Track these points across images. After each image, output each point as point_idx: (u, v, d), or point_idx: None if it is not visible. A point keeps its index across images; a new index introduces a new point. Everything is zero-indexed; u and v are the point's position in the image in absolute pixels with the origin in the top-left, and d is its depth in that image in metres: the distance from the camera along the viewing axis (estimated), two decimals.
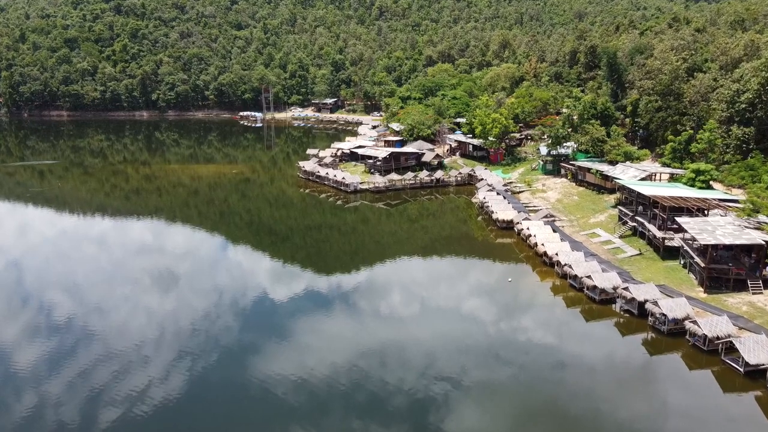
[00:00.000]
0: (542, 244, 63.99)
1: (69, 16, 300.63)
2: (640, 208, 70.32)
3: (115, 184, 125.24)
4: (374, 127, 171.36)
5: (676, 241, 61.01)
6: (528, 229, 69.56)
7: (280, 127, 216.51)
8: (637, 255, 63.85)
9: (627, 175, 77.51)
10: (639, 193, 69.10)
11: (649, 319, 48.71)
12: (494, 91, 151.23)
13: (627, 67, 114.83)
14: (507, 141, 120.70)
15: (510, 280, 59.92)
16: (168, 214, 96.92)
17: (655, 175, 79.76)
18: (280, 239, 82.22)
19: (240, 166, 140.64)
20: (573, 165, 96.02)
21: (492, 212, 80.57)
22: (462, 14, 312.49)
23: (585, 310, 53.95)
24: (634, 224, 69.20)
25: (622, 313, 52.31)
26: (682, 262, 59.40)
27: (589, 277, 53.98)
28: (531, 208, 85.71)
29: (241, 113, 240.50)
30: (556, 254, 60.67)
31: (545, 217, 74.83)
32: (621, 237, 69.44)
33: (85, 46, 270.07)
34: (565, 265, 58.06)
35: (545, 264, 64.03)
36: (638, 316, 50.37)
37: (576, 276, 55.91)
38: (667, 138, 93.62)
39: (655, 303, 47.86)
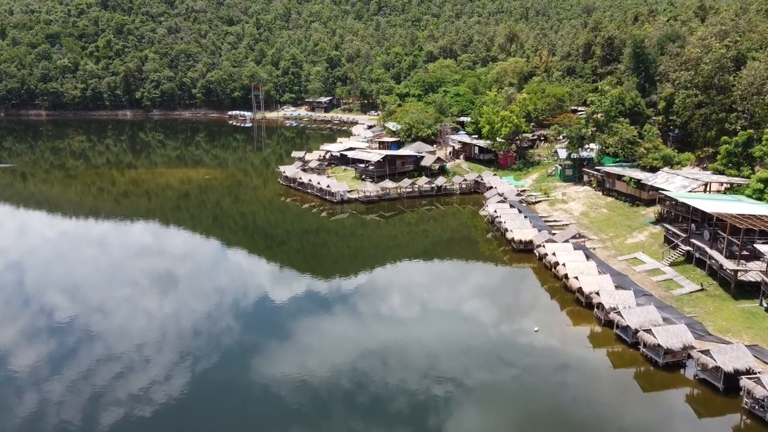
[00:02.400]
0: (575, 277, 49.26)
1: (53, 11, 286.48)
2: (693, 226, 55.74)
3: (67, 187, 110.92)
4: (370, 127, 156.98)
5: (753, 274, 46.32)
6: (554, 254, 54.81)
7: (272, 128, 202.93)
8: (698, 291, 49.12)
9: (674, 185, 62.81)
10: (695, 209, 54.46)
11: (746, 400, 33.94)
12: (501, 87, 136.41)
13: (656, 57, 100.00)
14: (518, 142, 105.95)
15: (536, 330, 45.00)
16: (102, 226, 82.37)
17: (709, 185, 65.05)
18: (237, 264, 67.44)
19: (213, 170, 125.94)
20: (599, 171, 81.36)
21: (506, 230, 65.85)
22: (464, 9, 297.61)
23: (642, 375, 39.23)
24: (689, 248, 54.51)
25: (697, 382, 37.58)
26: (765, 304, 44.66)
27: (649, 331, 39.17)
28: (552, 223, 71.04)
29: (230, 113, 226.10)
30: (597, 293, 45.93)
31: (573, 237, 59.90)
32: (672, 265, 54.69)
33: (67, 41, 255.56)
34: (612, 310, 43.35)
35: (578, 302, 49.31)
36: (725, 392, 35.63)
37: (628, 327, 41.11)
38: (709, 138, 79.09)
39: (757, 380, 33.09)
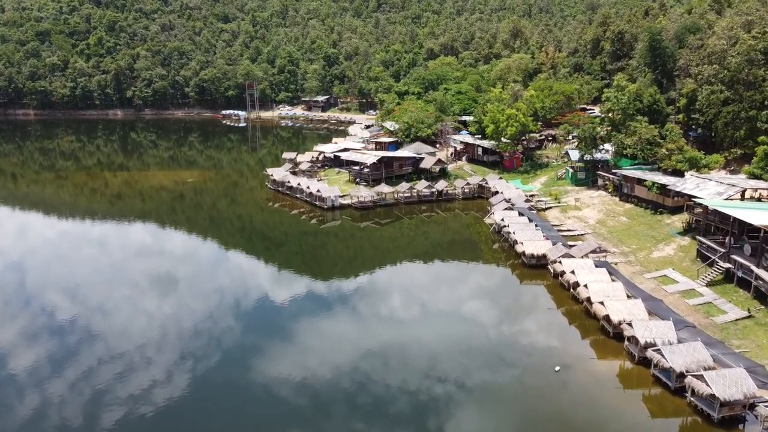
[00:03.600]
0: (600, 303, 41.76)
1: (45, 8, 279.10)
2: (730, 239, 48.36)
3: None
4: (367, 127, 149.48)
5: None
6: (573, 273, 47.32)
7: (267, 127, 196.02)
8: (745, 318, 41.68)
9: (706, 191, 55.31)
10: (735, 220, 47.07)
11: None
12: (506, 84, 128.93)
13: (675, 50, 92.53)
14: (525, 143, 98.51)
15: (558, 369, 37.47)
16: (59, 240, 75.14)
17: (745, 191, 57.61)
18: (219, 277, 60.01)
19: (198, 172, 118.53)
20: (615, 174, 73.94)
21: (515, 242, 58.39)
22: (466, 5, 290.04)
23: None
24: (729, 266, 47.09)
25: None
26: None
27: (700, 377, 31.66)
28: (566, 233, 63.63)
29: (224, 112, 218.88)
30: (629, 324, 38.44)
31: (594, 251, 52.34)
32: (710, 285, 47.27)
33: (57, 39, 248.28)
34: (649, 345, 35.90)
35: (604, 331, 41.87)
36: None
37: (671, 369, 33.60)
38: (737, 138, 71.75)
39: None
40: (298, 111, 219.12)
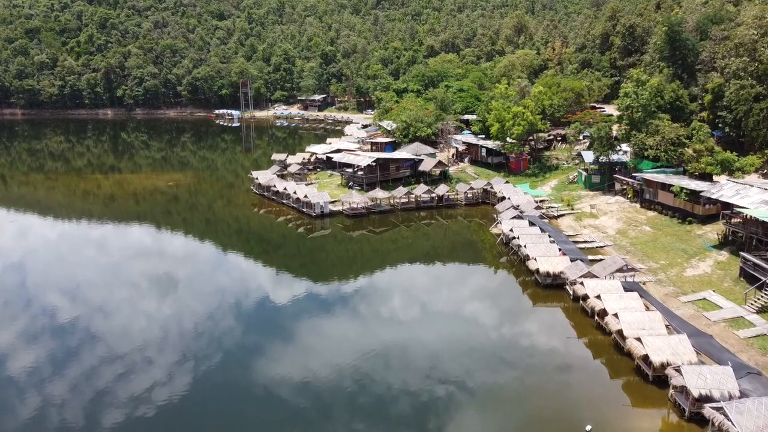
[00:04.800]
0: (637, 339, 34.22)
1: (36, 5, 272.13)
2: None
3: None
4: (365, 127, 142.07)
5: None
6: (599, 299, 39.76)
7: (262, 127, 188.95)
8: None
9: (749, 199, 47.84)
10: None
11: None
12: (511, 80, 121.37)
13: (696, 42, 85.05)
14: (533, 143, 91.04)
15: (589, 429, 29.89)
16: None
17: None
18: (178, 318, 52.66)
19: (182, 175, 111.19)
20: (635, 178, 66.50)
21: (527, 257, 50.96)
22: (467, 2, 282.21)
23: None
24: None
25: None
26: None
27: None
28: (582, 245, 56.22)
29: (216, 111, 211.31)
30: (676, 370, 30.90)
31: (620, 270, 44.72)
32: (761, 312, 39.80)
33: (46, 36, 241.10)
34: (704, 400, 28.48)
35: (639, 372, 34.40)
36: None
37: None
38: None
39: None
40: (294, 110, 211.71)
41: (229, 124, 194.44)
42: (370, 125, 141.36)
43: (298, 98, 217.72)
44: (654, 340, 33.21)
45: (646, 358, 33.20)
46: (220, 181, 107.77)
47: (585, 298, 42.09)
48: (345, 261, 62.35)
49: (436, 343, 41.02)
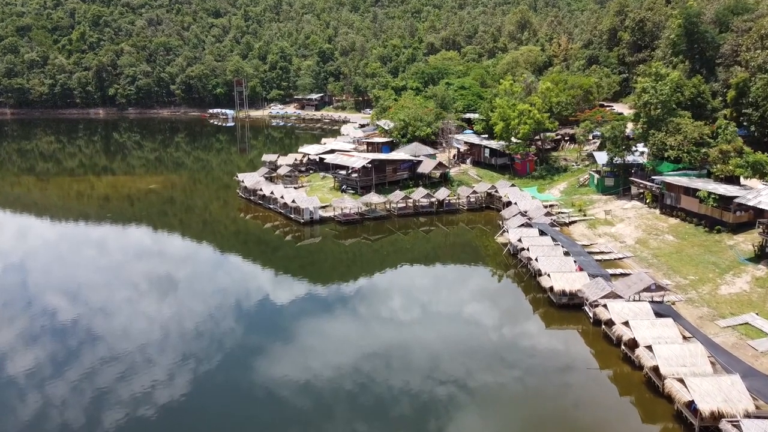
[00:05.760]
0: (679, 380, 28.33)
1: (28, 2, 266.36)
2: None
3: None
4: (362, 126, 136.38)
5: None
6: (627, 326, 33.83)
7: (258, 127, 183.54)
8: None
9: None
10: None
11: None
12: (515, 77, 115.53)
13: (716, 35, 79.17)
14: (540, 143, 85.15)
15: None
16: None
17: None
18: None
19: (158, 177, 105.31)
20: (655, 181, 60.60)
21: (538, 272, 45.07)
22: None
23: None
24: None
25: None
26: None
27: None
28: (598, 256, 50.34)
29: (210, 111, 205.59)
30: (735, 426, 24.97)
31: (648, 289, 38.74)
32: None
33: (37, 33, 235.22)
34: None
35: (680, 419, 28.53)
36: None
37: None
38: None
39: None
40: (291, 110, 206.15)
41: (224, 124, 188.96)
42: (367, 125, 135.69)
43: (295, 97, 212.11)
44: (700, 383, 27.30)
45: (690, 403, 27.29)
46: (203, 182, 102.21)
47: (609, 323, 36.13)
48: (337, 273, 56.44)
49: (436, 370, 35.11)
